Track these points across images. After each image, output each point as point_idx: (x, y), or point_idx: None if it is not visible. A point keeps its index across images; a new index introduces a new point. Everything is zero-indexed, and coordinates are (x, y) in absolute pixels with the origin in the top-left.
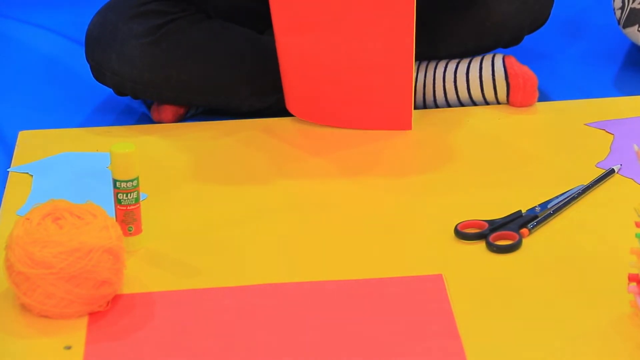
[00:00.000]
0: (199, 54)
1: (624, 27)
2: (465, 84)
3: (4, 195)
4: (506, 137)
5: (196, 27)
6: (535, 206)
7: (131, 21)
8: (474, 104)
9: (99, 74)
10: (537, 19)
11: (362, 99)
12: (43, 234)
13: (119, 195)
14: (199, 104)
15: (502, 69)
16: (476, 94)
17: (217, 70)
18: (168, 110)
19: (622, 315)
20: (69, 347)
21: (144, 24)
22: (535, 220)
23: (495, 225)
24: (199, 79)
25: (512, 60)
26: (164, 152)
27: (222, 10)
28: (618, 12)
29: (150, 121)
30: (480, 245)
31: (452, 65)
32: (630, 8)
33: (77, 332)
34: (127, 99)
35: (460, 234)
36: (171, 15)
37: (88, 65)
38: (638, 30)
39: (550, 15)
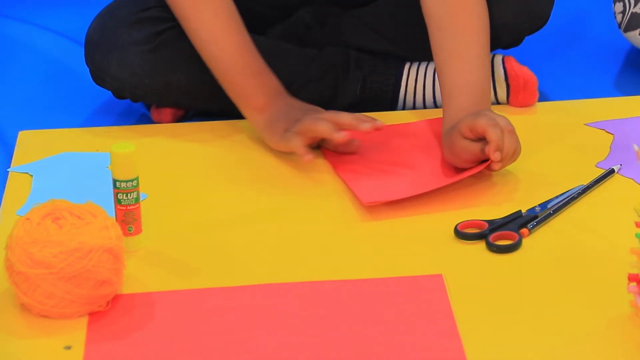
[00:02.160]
0: (199, 60)
1: (625, 31)
2: None
3: (4, 195)
4: None
5: None
6: (535, 206)
7: (131, 28)
8: None
9: (99, 78)
10: (537, 20)
11: None
12: (43, 234)
13: (119, 195)
14: (199, 109)
15: (502, 70)
16: None
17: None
18: (168, 112)
19: (622, 315)
20: (69, 347)
21: (144, 30)
22: (535, 220)
23: (495, 225)
24: (199, 85)
25: (512, 61)
26: (164, 152)
27: None
28: (619, 16)
29: (150, 121)
30: (480, 245)
31: None
32: (632, 12)
33: (77, 332)
34: (127, 100)
35: (460, 234)
36: (171, 22)
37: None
38: (639, 35)
39: (551, 16)
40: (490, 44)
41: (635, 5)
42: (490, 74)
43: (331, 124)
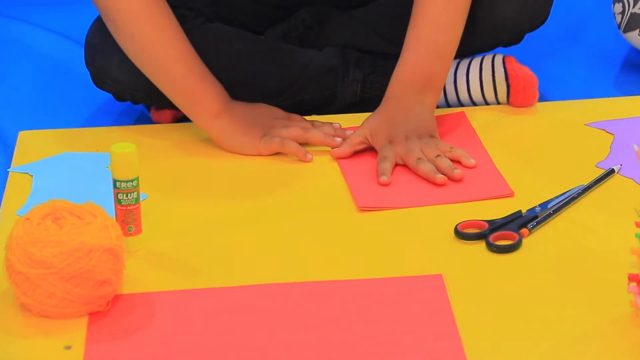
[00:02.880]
0: None
1: (625, 31)
2: (466, 85)
3: (4, 195)
4: (506, 137)
5: (196, 33)
6: (535, 206)
7: None
8: (474, 104)
9: (99, 81)
10: (537, 19)
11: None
12: (43, 234)
13: (119, 195)
14: None
15: (502, 70)
16: (476, 94)
17: (217, 75)
18: (168, 113)
19: (622, 315)
20: (69, 347)
21: None
22: (535, 220)
23: (495, 225)
24: None
25: (512, 61)
26: (164, 152)
27: (222, 13)
28: (618, 17)
29: (150, 122)
30: (480, 245)
31: (452, 66)
32: (631, 13)
33: (77, 332)
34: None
35: (460, 234)
36: None
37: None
38: (639, 35)
39: (551, 17)
40: (489, 41)
41: (634, 5)
42: (459, 36)
43: (299, 145)
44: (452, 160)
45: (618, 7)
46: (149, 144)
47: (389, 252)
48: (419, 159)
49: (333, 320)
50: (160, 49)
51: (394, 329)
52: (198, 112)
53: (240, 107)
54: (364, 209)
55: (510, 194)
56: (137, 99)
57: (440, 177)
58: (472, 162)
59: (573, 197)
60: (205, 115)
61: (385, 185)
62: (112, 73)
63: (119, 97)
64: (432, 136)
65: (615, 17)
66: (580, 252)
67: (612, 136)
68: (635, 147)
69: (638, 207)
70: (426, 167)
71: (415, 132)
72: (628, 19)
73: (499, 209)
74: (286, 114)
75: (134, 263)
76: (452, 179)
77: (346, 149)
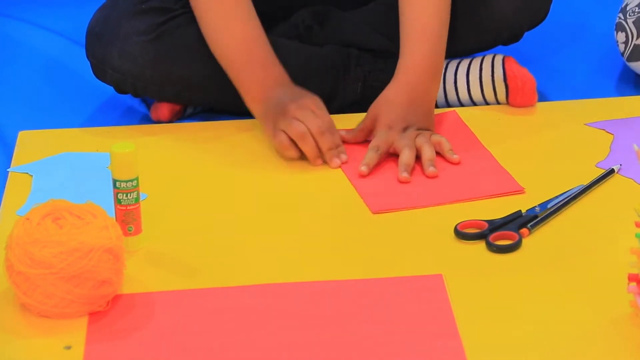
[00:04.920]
0: (200, 52)
1: (628, 60)
2: (466, 86)
3: (4, 195)
4: (506, 137)
5: (197, 25)
6: (535, 206)
7: (133, 18)
8: (474, 104)
9: (100, 71)
10: (537, 16)
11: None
12: (43, 234)
13: (119, 195)
14: (199, 102)
15: (501, 71)
16: (476, 94)
17: (217, 68)
18: (165, 108)
19: (622, 315)
20: (69, 347)
21: (146, 21)
22: (535, 220)
23: (495, 225)
24: (199, 77)
25: (511, 62)
26: (164, 152)
27: None
28: (622, 46)
29: (150, 121)
30: (480, 245)
31: (452, 66)
32: (634, 44)
33: (77, 332)
34: (127, 99)
35: (460, 234)
36: (173, 12)
37: (88, 65)
38: None
39: (551, 16)
40: (488, 39)
41: (637, 37)
42: (448, 21)
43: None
44: (436, 152)
45: (621, 36)
46: (149, 143)
47: (389, 252)
48: (406, 145)
49: (333, 320)
50: (222, 27)
51: (394, 329)
52: (243, 96)
53: (282, 94)
54: (378, 212)
55: (521, 190)
56: (137, 89)
57: (403, 176)
58: (456, 157)
59: (573, 197)
60: (248, 99)
61: (363, 176)
62: (112, 62)
63: (120, 89)
64: (428, 129)
65: (618, 45)
66: (580, 252)
67: (612, 136)
68: (635, 147)
69: (638, 207)
70: (402, 159)
71: (416, 124)
72: (631, 50)
73: (499, 209)
74: (318, 110)
75: (134, 263)
76: (425, 173)
77: (351, 139)
